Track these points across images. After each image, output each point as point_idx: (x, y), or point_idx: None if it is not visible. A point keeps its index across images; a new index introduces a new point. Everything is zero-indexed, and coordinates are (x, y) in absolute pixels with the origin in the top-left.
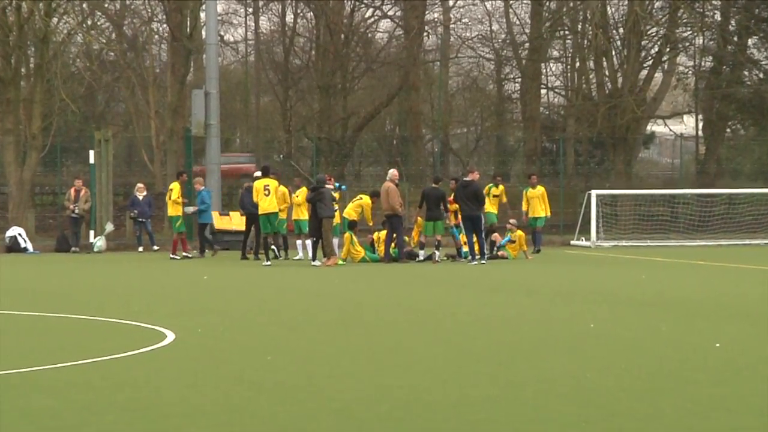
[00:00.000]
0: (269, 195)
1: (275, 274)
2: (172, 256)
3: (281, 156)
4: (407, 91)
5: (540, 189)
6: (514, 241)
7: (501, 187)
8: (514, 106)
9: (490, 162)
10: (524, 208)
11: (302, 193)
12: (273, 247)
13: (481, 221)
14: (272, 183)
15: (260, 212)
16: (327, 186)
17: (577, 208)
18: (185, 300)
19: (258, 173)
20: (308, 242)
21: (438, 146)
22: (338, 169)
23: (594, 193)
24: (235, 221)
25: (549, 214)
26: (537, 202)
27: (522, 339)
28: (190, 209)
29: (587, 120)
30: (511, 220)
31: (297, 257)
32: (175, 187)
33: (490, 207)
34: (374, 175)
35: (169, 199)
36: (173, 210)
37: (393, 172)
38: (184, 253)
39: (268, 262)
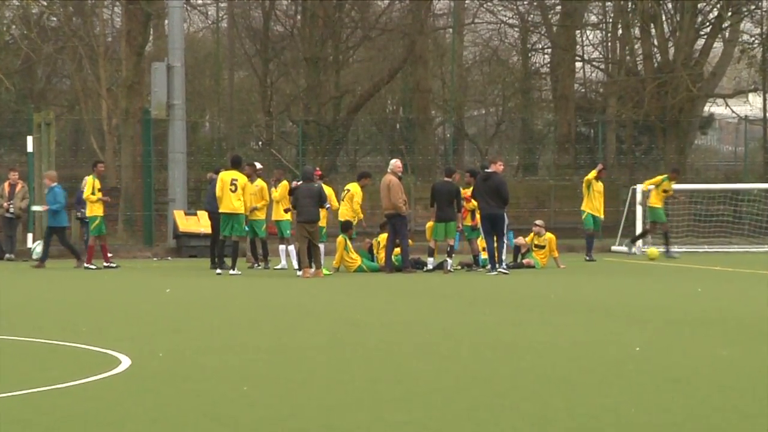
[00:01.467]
0: (236, 192)
1: (253, 288)
2: (86, 265)
3: (260, 143)
4: (413, 64)
5: (600, 184)
6: (542, 246)
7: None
8: (542, 83)
9: (513, 150)
10: (585, 204)
11: (284, 188)
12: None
13: (503, 222)
14: (241, 178)
15: (222, 210)
16: (313, 181)
17: (619, 206)
18: (143, 318)
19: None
20: (291, 248)
21: (450, 131)
22: (329, 160)
23: (639, 188)
24: (204, 222)
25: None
26: (598, 199)
27: (551, 366)
28: (39, 208)
29: (632, 99)
30: (538, 221)
31: (279, 266)
32: (90, 181)
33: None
34: (373, 166)
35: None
36: (90, 210)
37: (395, 163)
38: (105, 264)
39: (219, 271)
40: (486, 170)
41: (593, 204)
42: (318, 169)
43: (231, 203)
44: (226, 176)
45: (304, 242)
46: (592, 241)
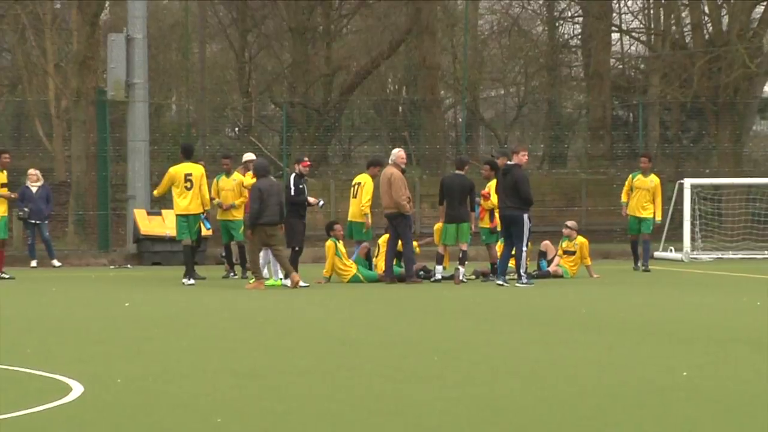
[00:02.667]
0: (191, 189)
1: (228, 301)
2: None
3: (236, 129)
4: (418, 35)
5: (654, 180)
6: (573, 252)
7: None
8: (572, 58)
9: (537, 138)
10: (624, 198)
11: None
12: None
13: (521, 226)
14: (196, 170)
15: (177, 212)
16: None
17: (664, 204)
18: (98, 337)
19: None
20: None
21: (463, 115)
22: (319, 149)
23: (688, 182)
24: (170, 223)
25: (660, 216)
26: (646, 197)
27: (582, 395)
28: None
29: (678, 78)
30: (569, 222)
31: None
32: None
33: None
34: (371, 157)
35: None
36: None
37: (398, 153)
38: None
39: (191, 281)
40: (508, 162)
41: (634, 203)
42: (306, 159)
43: (186, 203)
44: (178, 171)
45: (260, 248)
46: (637, 248)
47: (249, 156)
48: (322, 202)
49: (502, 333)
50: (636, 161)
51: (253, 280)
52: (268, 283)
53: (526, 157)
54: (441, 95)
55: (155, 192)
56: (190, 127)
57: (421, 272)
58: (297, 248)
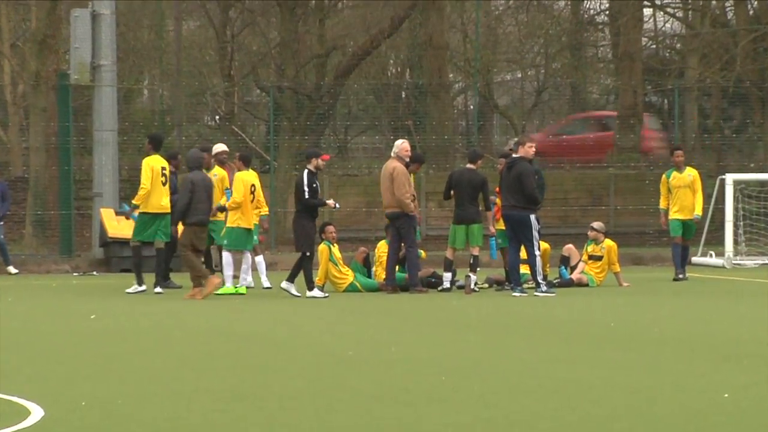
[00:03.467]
0: (166, 184)
1: (207, 312)
2: None
3: (217, 118)
4: (424, 11)
5: (691, 173)
6: (599, 258)
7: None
8: (599, 37)
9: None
10: (662, 205)
11: (247, 179)
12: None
13: (528, 227)
14: (167, 165)
15: (150, 210)
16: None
17: (704, 203)
18: (60, 354)
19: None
20: (259, 258)
21: (475, 102)
22: (311, 140)
23: (730, 178)
24: None
25: (701, 211)
26: (686, 195)
27: (610, 418)
28: None
29: (719, 59)
30: (595, 224)
31: (245, 282)
32: None
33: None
34: (370, 149)
35: None
36: None
37: (402, 145)
38: None
39: (159, 289)
40: (514, 155)
41: (677, 205)
42: (325, 154)
43: (161, 200)
44: (154, 163)
45: (190, 251)
46: (679, 253)
47: (220, 147)
48: (338, 205)
49: (520, 349)
50: (670, 154)
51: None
52: (241, 290)
53: (534, 150)
54: (450, 79)
55: (140, 192)
56: (165, 114)
57: (432, 279)
58: (309, 253)
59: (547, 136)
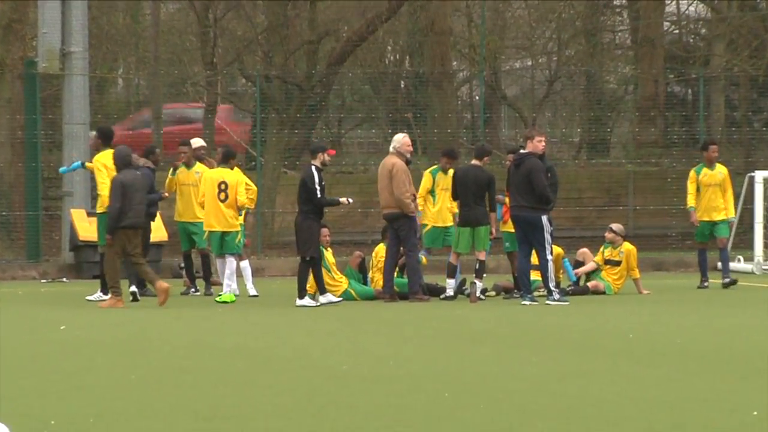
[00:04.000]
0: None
1: (187, 323)
2: None
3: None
4: None
5: (721, 170)
6: (617, 263)
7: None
8: (617, 21)
9: (573, 120)
10: (691, 203)
11: (214, 177)
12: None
13: (541, 229)
14: (108, 160)
15: (100, 210)
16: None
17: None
18: (28, 369)
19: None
20: (244, 263)
21: (481, 92)
22: (301, 134)
23: (760, 175)
24: None
25: (733, 214)
26: (715, 195)
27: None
28: None
29: (747, 46)
30: (613, 226)
31: (228, 290)
32: None
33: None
34: (366, 144)
35: None
36: None
37: (403, 140)
38: None
39: (131, 299)
40: (522, 150)
41: (704, 203)
42: (330, 149)
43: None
44: (107, 159)
45: (119, 258)
46: (705, 260)
47: (198, 142)
48: (350, 200)
49: (530, 363)
50: (695, 149)
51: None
52: (225, 298)
53: (543, 144)
54: (453, 67)
55: (103, 194)
56: (141, 106)
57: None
58: (313, 257)
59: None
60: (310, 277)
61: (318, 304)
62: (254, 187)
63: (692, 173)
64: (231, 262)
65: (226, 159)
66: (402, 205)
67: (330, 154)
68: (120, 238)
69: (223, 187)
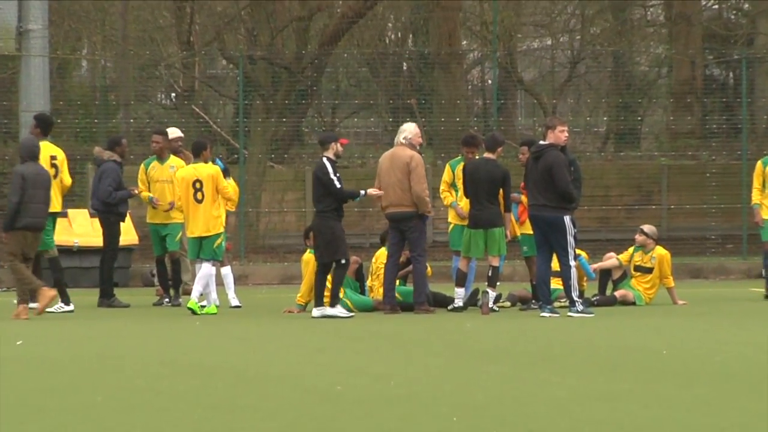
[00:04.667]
0: (57, 178)
1: (159, 337)
2: None
3: (173, 95)
4: None
5: None
6: (649, 269)
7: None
8: None
9: (599, 108)
10: (756, 199)
11: (187, 176)
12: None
13: (563, 231)
14: (59, 153)
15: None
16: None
17: None
18: None
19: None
20: (226, 270)
21: (494, 76)
22: (290, 123)
23: None
24: (80, 228)
25: None
26: None
27: None
28: None
29: None
30: (645, 227)
31: (203, 303)
32: None
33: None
34: (363, 134)
35: None
36: None
37: (414, 130)
38: None
39: (63, 306)
40: (541, 142)
41: None
42: (342, 138)
43: (54, 198)
44: (45, 151)
45: (19, 260)
46: None
47: (175, 132)
48: (377, 192)
49: (550, 383)
50: (737, 140)
51: (57, 305)
52: (207, 310)
53: (566, 134)
54: (463, 47)
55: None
56: (108, 91)
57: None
58: (344, 260)
59: None
60: (302, 284)
61: (350, 315)
62: (235, 185)
63: (759, 165)
64: (206, 267)
65: (198, 152)
66: (421, 203)
67: (343, 144)
68: (18, 240)
69: (198, 185)
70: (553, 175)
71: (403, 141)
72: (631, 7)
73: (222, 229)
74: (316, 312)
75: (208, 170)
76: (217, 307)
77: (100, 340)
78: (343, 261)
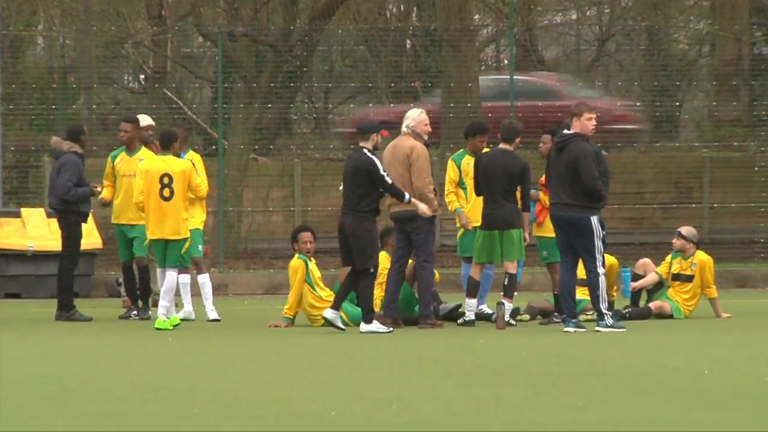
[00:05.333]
0: None
1: (130, 354)
2: None
3: (142, 78)
4: None
5: None
6: (689, 278)
7: None
8: None
9: (631, 91)
10: None
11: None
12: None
13: (590, 233)
14: None
15: None
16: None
17: None
18: None
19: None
20: (204, 278)
21: (511, 55)
22: (276, 109)
23: None
24: (36, 230)
25: None
26: None
27: None
28: None
29: None
30: (683, 229)
31: (180, 314)
32: None
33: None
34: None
35: None
36: None
37: (420, 117)
38: None
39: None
40: (565, 131)
41: None
42: (384, 130)
43: None
44: None
45: None
46: None
47: (146, 120)
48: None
49: (575, 408)
50: None
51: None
52: (159, 324)
53: (594, 123)
54: (475, 22)
55: None
56: (67, 73)
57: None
58: (373, 269)
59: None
60: (289, 295)
61: (389, 330)
62: (204, 177)
63: None
64: (171, 276)
65: (168, 143)
66: (424, 201)
67: (384, 136)
68: None
69: (166, 181)
70: (579, 170)
71: (406, 130)
72: None
73: (189, 232)
74: (363, 327)
75: (180, 165)
76: (186, 320)
77: (59, 359)
78: (372, 270)
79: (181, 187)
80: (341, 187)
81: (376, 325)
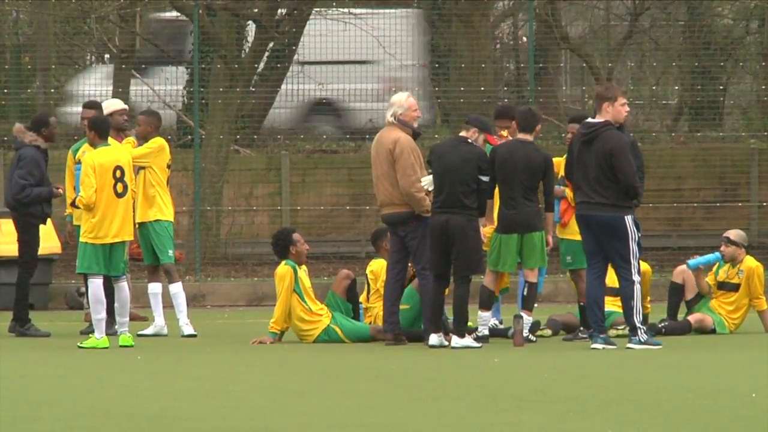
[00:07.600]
0: None
1: (94, 373)
2: None
3: (106, 57)
4: None
5: None
6: (734, 286)
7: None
8: None
9: (669, 74)
10: None
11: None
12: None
13: (626, 234)
14: None
15: None
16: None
17: None
18: None
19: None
20: (176, 288)
21: (530, 32)
22: (261, 92)
23: None
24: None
25: None
26: None
27: None
28: None
29: None
30: (730, 233)
31: (150, 330)
32: None
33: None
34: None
35: None
36: None
37: (405, 102)
38: None
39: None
40: (591, 120)
41: None
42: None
43: None
44: None
45: None
46: None
47: (114, 105)
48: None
49: None
50: None
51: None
52: (87, 343)
53: (626, 111)
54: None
55: None
56: (21, 52)
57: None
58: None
59: None
60: (276, 306)
61: (480, 345)
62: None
63: None
64: (125, 288)
65: (105, 132)
66: (413, 202)
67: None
68: None
69: (118, 174)
70: (614, 164)
71: (391, 119)
72: None
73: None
74: (457, 342)
75: (126, 155)
76: (161, 336)
77: (10, 382)
78: (470, 277)
79: (131, 180)
80: (427, 181)
81: (468, 340)
